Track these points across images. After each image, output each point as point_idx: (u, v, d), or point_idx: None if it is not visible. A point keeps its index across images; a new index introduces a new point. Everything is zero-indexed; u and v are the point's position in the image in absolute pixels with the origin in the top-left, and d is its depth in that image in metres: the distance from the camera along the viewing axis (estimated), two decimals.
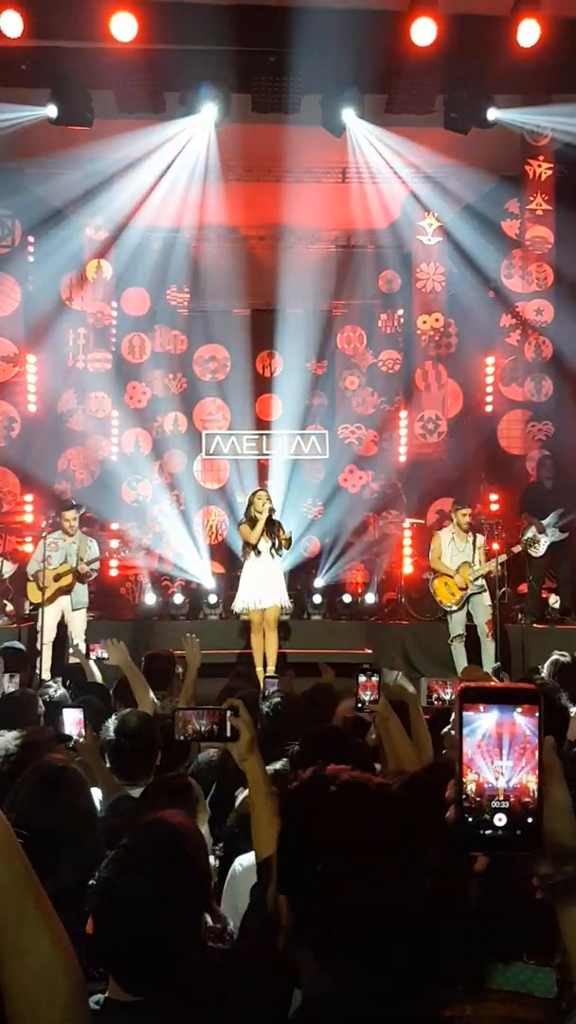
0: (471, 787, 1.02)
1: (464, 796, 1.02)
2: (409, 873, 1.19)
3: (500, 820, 1.01)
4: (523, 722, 1.02)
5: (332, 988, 1.17)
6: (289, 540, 8.21)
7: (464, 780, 1.02)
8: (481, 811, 1.01)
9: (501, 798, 1.01)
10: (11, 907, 1.07)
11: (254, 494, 8.43)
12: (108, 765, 3.34)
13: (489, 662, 8.04)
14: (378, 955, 1.17)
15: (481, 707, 1.02)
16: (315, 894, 1.18)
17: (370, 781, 1.23)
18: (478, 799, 1.01)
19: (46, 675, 7.42)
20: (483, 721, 1.02)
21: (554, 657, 5.44)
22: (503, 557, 8.71)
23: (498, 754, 1.02)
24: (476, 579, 8.45)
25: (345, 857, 1.17)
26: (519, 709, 1.02)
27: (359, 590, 10.49)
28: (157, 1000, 1.55)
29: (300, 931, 1.19)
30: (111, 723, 3.36)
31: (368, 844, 1.17)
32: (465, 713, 1.02)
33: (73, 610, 8.33)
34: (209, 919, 2.23)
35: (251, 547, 8.20)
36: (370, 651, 8.89)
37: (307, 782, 1.24)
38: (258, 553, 8.15)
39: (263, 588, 8.11)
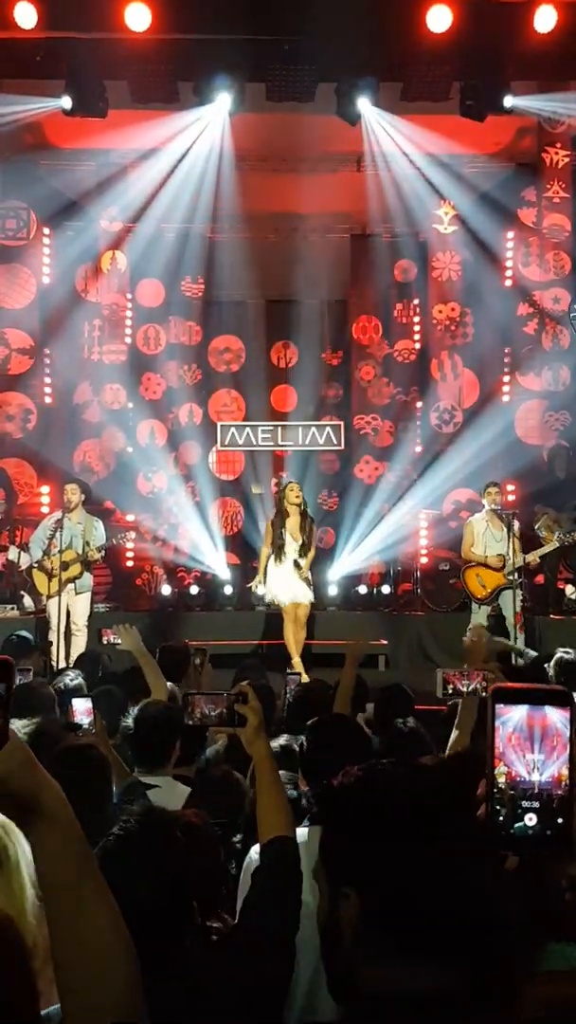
0: (502, 780, 1.01)
1: (496, 790, 1.01)
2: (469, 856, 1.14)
3: (531, 820, 1.01)
4: (555, 716, 1.02)
5: (401, 981, 1.12)
6: (311, 542, 8.10)
7: (495, 773, 1.01)
8: (512, 808, 1.01)
9: (534, 793, 1.01)
10: (69, 886, 1.05)
11: (286, 486, 8.27)
12: (130, 753, 3.37)
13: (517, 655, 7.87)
14: (450, 947, 1.13)
15: (513, 706, 1.03)
16: (385, 878, 1.14)
17: (420, 764, 1.21)
18: (511, 793, 1.01)
19: (61, 664, 7.44)
20: (514, 715, 1.02)
21: (558, 655, 5.38)
22: (544, 550, 8.50)
23: (529, 748, 1.01)
24: (511, 573, 8.11)
25: (408, 839, 1.13)
26: (551, 707, 1.02)
27: (375, 581, 10.48)
28: (154, 987, 1.55)
29: (367, 920, 1.15)
30: (132, 712, 3.39)
31: (426, 825, 1.13)
32: (496, 707, 1.03)
33: (76, 593, 8.14)
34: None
35: (276, 545, 8.05)
36: (385, 642, 8.88)
37: (335, 779, 1.23)
38: (282, 554, 7.98)
39: (294, 584, 8.02)
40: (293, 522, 8.03)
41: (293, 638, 7.98)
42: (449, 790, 1.18)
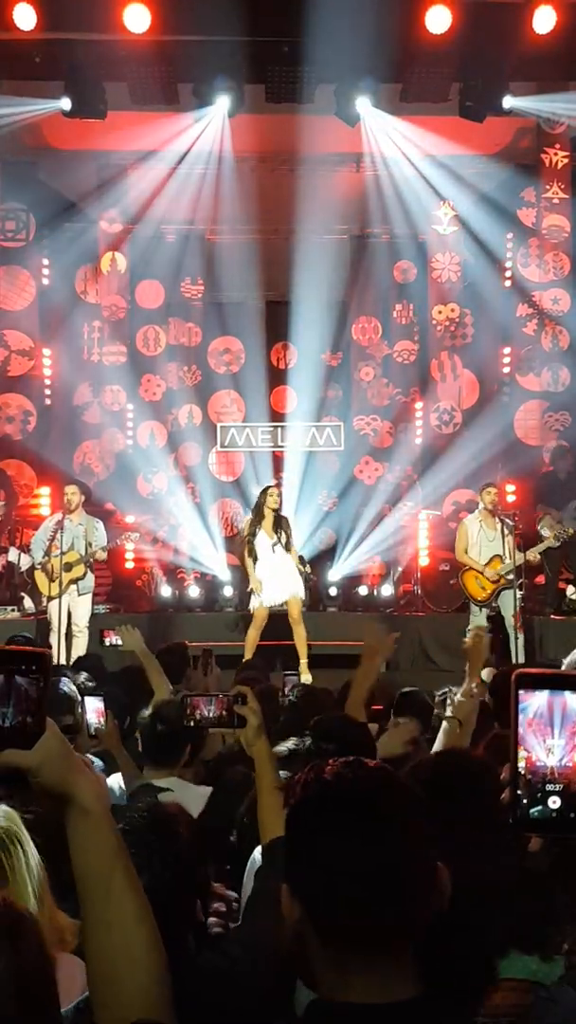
0: (522, 764, 1.02)
1: (517, 774, 1.02)
2: (418, 854, 1.13)
3: (554, 802, 1.02)
4: (575, 703, 1.03)
5: (341, 984, 1.10)
6: (289, 540, 8.17)
7: (517, 757, 1.03)
8: (534, 792, 1.02)
9: (554, 777, 1.02)
10: (99, 878, 1.08)
11: (268, 490, 8.36)
12: (141, 750, 3.37)
13: (520, 656, 7.85)
14: (393, 953, 1.11)
15: (535, 691, 1.04)
16: (319, 882, 1.13)
17: (368, 761, 1.20)
18: (530, 777, 1.02)
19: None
20: (534, 700, 1.03)
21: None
22: (542, 546, 8.49)
23: (549, 732, 1.02)
24: (508, 572, 8.09)
25: (348, 842, 1.11)
26: (572, 692, 1.03)
27: (375, 582, 10.48)
28: None
29: (308, 922, 1.14)
30: (149, 708, 3.39)
31: (368, 826, 1.12)
32: (519, 692, 1.04)
33: (79, 595, 8.19)
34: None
35: (248, 544, 8.16)
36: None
37: (307, 771, 1.22)
38: (251, 550, 8.08)
39: (275, 584, 8.05)
40: (267, 523, 8.12)
41: (256, 641, 8.03)
42: (403, 791, 1.17)
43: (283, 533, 8.10)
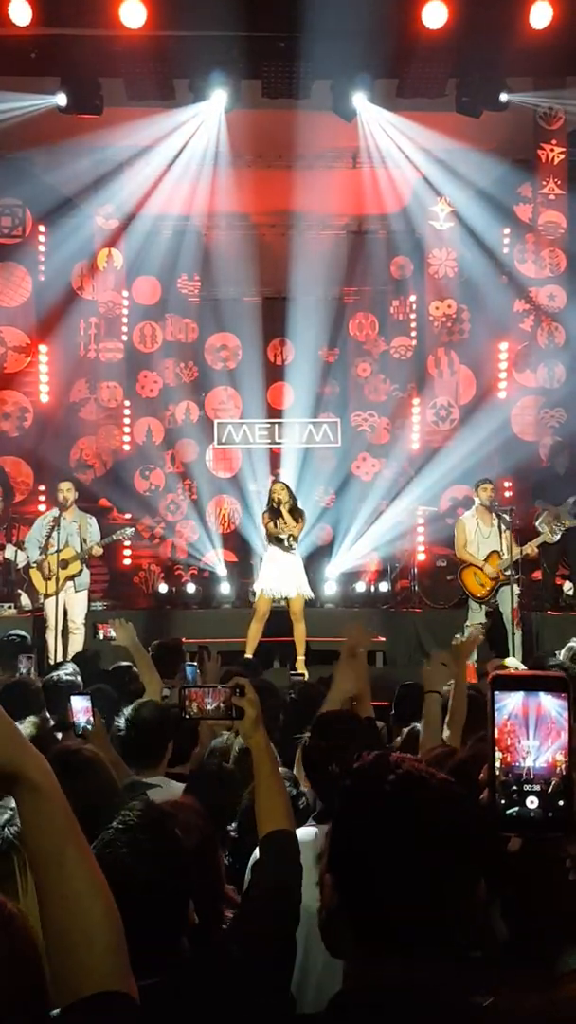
0: (499, 765, 1.04)
1: (495, 775, 1.04)
2: (465, 871, 1.18)
3: (532, 802, 1.03)
4: (550, 704, 1.04)
5: (369, 971, 1.16)
6: (296, 533, 8.15)
7: (495, 758, 1.04)
8: (513, 792, 1.04)
9: (530, 778, 1.03)
10: (52, 853, 1.08)
11: (271, 487, 8.36)
12: (122, 752, 3.36)
13: (517, 651, 7.89)
14: (423, 944, 1.15)
15: (510, 693, 1.06)
16: (361, 880, 1.18)
17: (432, 775, 1.21)
18: (507, 778, 1.04)
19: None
20: (510, 702, 1.05)
21: (571, 643, 5.44)
22: (540, 539, 8.51)
23: (525, 734, 1.04)
24: (507, 568, 8.11)
25: (395, 849, 1.16)
26: (546, 693, 1.05)
27: (372, 578, 10.49)
28: (153, 983, 1.55)
29: (344, 911, 1.20)
30: (125, 713, 3.38)
31: (420, 839, 1.15)
32: (495, 694, 1.06)
33: (76, 591, 8.20)
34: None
35: (270, 537, 8.15)
36: (383, 639, 8.89)
37: (368, 766, 1.23)
38: (278, 543, 8.09)
39: (282, 578, 8.04)
40: (282, 518, 8.11)
41: (259, 635, 8.02)
42: (458, 809, 1.18)
43: (292, 525, 8.03)
